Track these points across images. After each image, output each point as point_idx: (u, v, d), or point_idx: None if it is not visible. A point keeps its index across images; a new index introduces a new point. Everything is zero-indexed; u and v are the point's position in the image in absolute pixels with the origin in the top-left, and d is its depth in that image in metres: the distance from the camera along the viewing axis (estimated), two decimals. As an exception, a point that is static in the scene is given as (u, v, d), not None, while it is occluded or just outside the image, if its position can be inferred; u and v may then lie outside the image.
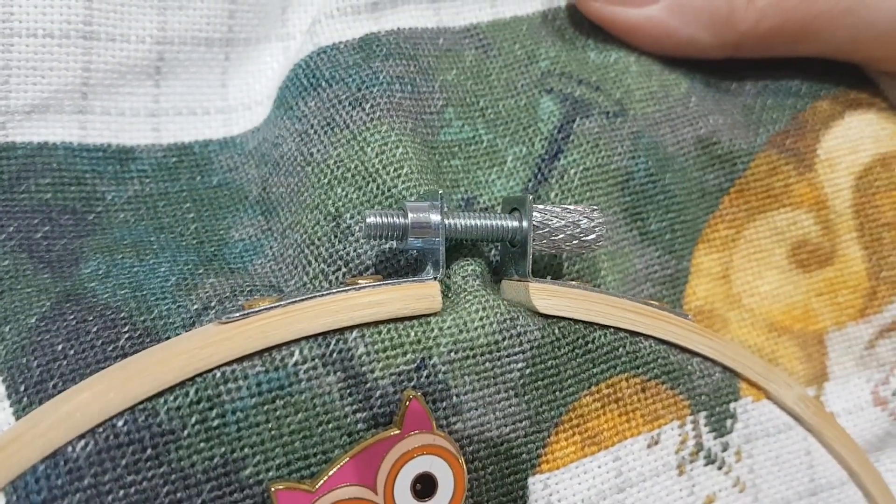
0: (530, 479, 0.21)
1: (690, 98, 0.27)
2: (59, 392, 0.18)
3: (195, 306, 0.21)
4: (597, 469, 0.21)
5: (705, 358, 0.23)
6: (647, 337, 0.22)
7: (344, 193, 0.22)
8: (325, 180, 0.23)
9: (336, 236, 0.22)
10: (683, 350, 0.22)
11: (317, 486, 0.18)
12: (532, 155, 0.25)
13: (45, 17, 0.23)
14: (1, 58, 0.22)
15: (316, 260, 0.22)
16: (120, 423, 0.17)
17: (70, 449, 0.17)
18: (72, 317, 0.20)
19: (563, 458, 0.21)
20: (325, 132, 0.23)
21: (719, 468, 0.23)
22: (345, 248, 0.22)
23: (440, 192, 0.20)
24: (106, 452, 0.17)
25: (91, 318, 0.20)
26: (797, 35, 0.27)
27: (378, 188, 0.22)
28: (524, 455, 0.21)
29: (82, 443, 0.17)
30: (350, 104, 0.23)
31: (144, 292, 0.21)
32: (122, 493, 0.17)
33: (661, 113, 0.27)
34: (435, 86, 0.25)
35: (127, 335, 0.20)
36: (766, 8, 0.26)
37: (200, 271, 0.22)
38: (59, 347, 0.19)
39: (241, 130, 0.26)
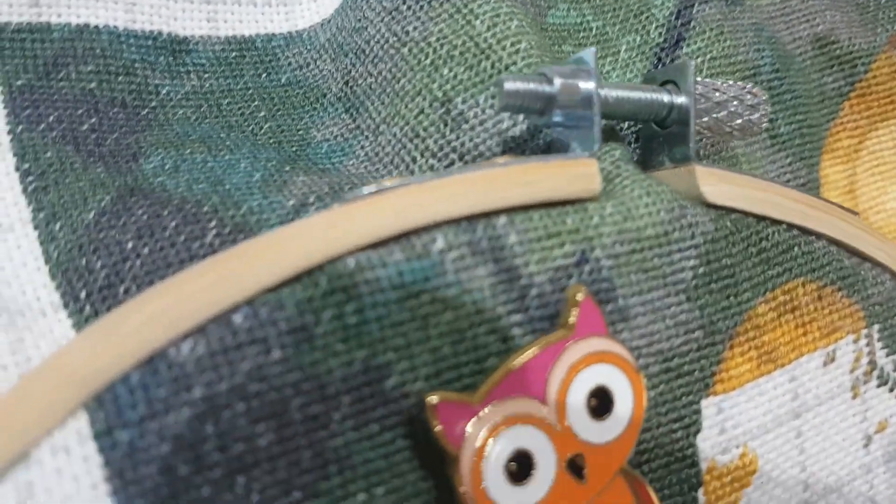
0: (703, 402, 0.17)
1: None
2: (131, 298, 0.14)
3: (290, 202, 0.17)
4: (773, 391, 0.18)
5: (876, 263, 0.19)
6: (819, 236, 0.19)
7: (452, 74, 0.19)
8: (428, 61, 0.19)
9: (446, 124, 0.18)
10: (855, 253, 0.19)
11: (477, 398, 0.14)
12: (648, 44, 0.21)
13: None
14: None
15: (422, 155, 0.18)
16: (238, 319, 0.13)
17: (173, 352, 0.13)
18: (140, 211, 0.16)
19: (739, 378, 0.18)
20: (422, 6, 0.19)
21: (891, 390, 0.19)
22: (458, 138, 0.18)
23: (594, 51, 0.17)
24: (221, 355, 0.13)
25: (166, 212, 0.16)
26: None
27: (493, 66, 0.19)
28: (697, 372, 0.17)
29: (189, 343, 0.13)
30: None
31: (227, 187, 0.17)
32: (242, 407, 0.13)
33: (775, 7, 0.24)
34: None
35: (214, 231, 0.16)
36: None
37: (287, 169, 0.18)
38: (129, 245, 0.15)
39: (306, 24, 0.22)
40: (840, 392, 0.19)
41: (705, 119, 0.18)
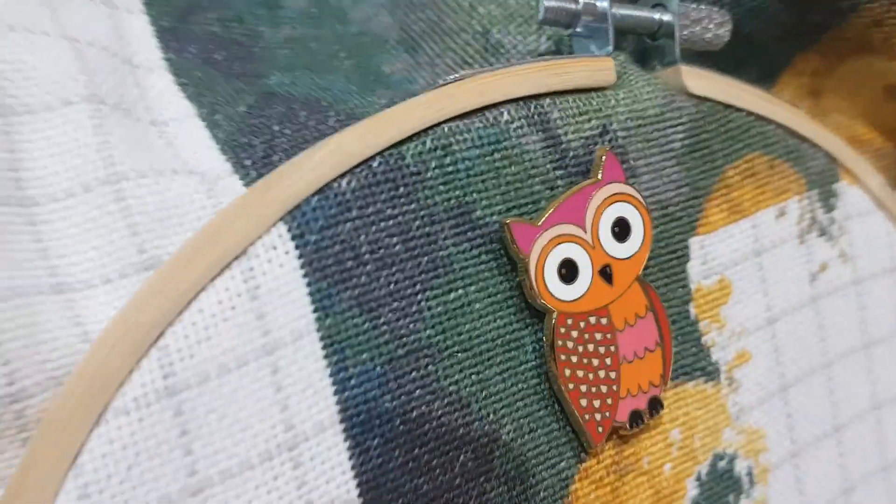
0: (690, 240, 0.23)
1: None
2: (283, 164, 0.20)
3: (382, 101, 0.22)
4: (739, 234, 0.24)
5: (813, 144, 0.26)
6: (769, 121, 0.25)
7: (487, 12, 0.24)
8: (467, 4, 0.25)
9: (487, 50, 0.24)
10: (796, 135, 0.25)
11: (539, 223, 0.20)
12: None
13: None
14: None
15: None
16: (375, 164, 0.19)
17: (337, 184, 0.19)
18: (278, 106, 0.22)
19: (715, 224, 0.24)
20: None
21: (828, 240, 0.26)
22: (498, 61, 0.24)
23: None
24: (367, 189, 0.19)
25: (296, 106, 0.22)
26: None
27: (518, 2, 0.24)
28: (685, 218, 0.23)
29: (346, 179, 0.19)
30: None
31: (335, 92, 0.23)
32: (382, 224, 0.19)
33: None
34: None
35: (334, 118, 0.21)
36: None
37: (372, 87, 0.24)
38: (276, 128, 0.21)
39: None
40: (789, 238, 0.25)
41: (685, 32, 0.24)
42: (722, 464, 0.23)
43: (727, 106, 0.24)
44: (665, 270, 0.23)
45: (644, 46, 0.25)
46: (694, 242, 0.23)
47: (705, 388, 0.23)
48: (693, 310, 0.23)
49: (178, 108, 0.21)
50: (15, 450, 0.17)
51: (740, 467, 0.24)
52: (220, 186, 0.19)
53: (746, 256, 0.24)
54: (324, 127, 0.21)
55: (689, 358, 0.23)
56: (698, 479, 0.23)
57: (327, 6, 0.27)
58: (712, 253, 0.24)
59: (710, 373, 0.23)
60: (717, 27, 0.24)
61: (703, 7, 0.24)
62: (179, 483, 0.16)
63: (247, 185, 0.20)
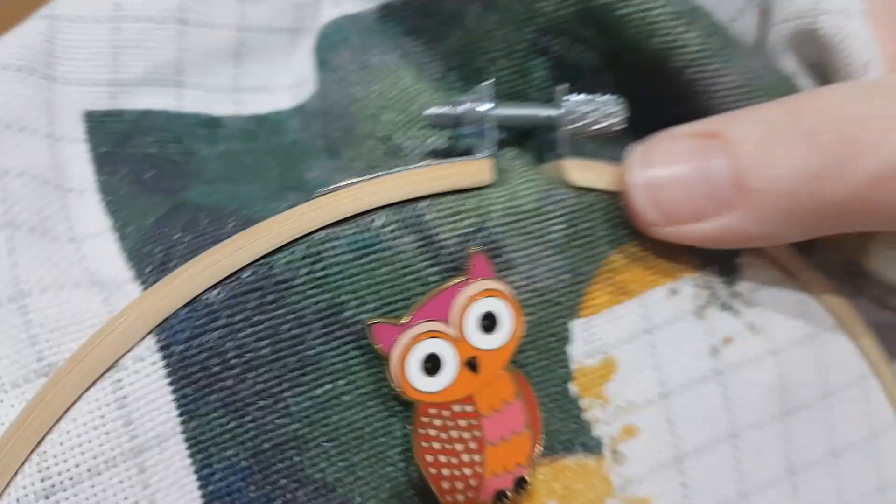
0: (572, 323, 0.25)
1: None
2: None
3: (285, 205, 0.25)
4: (627, 314, 0.26)
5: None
6: None
7: (389, 119, 0.26)
8: (371, 112, 0.27)
9: (389, 154, 0.26)
10: None
11: (403, 322, 0.22)
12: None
13: (146, 4, 0.27)
14: (112, 39, 0.26)
15: None
16: (245, 275, 0.21)
17: (206, 296, 0.21)
18: (185, 215, 0.24)
19: (599, 306, 0.25)
20: (361, 74, 0.27)
21: (732, 313, 0.27)
22: (397, 164, 0.26)
23: (492, 82, 0.24)
24: (236, 298, 0.21)
25: (200, 214, 0.24)
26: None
27: (418, 109, 0.26)
28: (566, 302, 0.25)
29: (216, 290, 0.21)
30: (380, 51, 0.27)
31: (243, 199, 0.25)
32: (250, 330, 0.21)
33: None
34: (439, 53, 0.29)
35: (232, 224, 0.24)
36: (862, 192, 0.23)
37: (285, 193, 0.26)
38: (176, 236, 0.24)
39: (306, 98, 0.30)
40: (685, 315, 0.27)
41: (577, 125, 0.26)
42: (604, 532, 0.25)
43: (613, 194, 0.25)
44: (544, 352, 0.24)
45: (541, 139, 0.26)
46: (576, 325, 0.25)
47: (586, 462, 0.25)
48: (574, 388, 0.25)
49: (97, 223, 0.24)
50: None
51: (625, 536, 0.25)
52: (119, 294, 0.22)
53: (634, 335, 0.26)
54: (221, 232, 0.24)
55: (568, 434, 0.25)
56: (578, 548, 0.25)
57: (265, 123, 0.29)
58: (596, 333, 0.25)
59: (591, 447, 0.25)
60: (607, 118, 0.26)
61: (597, 99, 0.26)
62: None
63: (145, 289, 0.22)
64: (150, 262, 0.23)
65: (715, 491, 0.27)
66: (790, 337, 0.28)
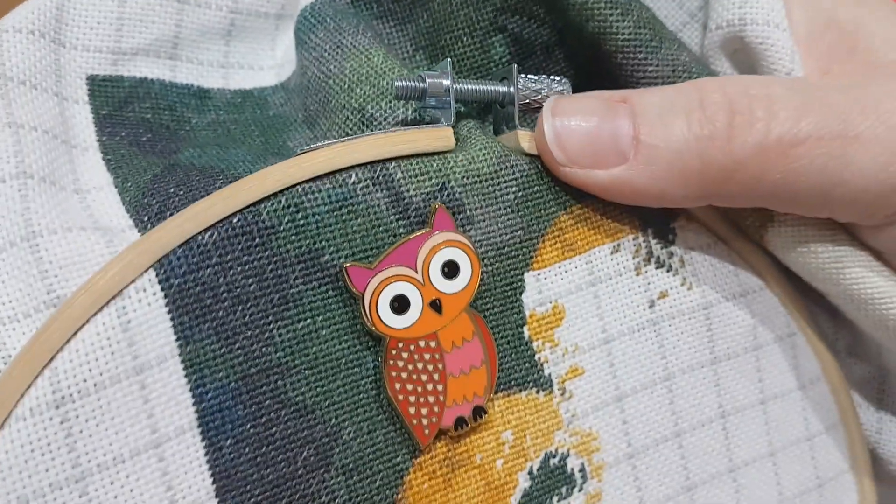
0: (525, 274, 0.28)
1: None
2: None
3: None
4: (574, 268, 0.29)
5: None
6: None
7: (362, 92, 0.29)
8: (346, 86, 0.30)
9: (364, 123, 0.29)
10: None
11: (374, 266, 0.25)
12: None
13: None
14: (117, 11, 0.29)
15: None
16: (235, 220, 0.24)
17: (200, 238, 0.24)
18: (178, 174, 0.27)
19: (549, 260, 0.29)
20: (336, 53, 0.30)
21: (668, 270, 0.30)
22: (371, 131, 0.29)
23: (450, 61, 0.28)
24: (227, 240, 0.24)
25: (193, 173, 0.27)
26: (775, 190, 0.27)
27: (387, 84, 0.29)
28: (520, 256, 0.28)
29: (209, 233, 0.24)
30: (352, 32, 0.30)
31: (231, 161, 0.28)
32: (239, 269, 0.24)
33: None
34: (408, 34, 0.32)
35: (221, 182, 0.27)
36: (746, 161, 0.26)
37: (267, 157, 0.29)
38: (171, 191, 0.27)
39: (287, 77, 0.33)
40: (625, 271, 0.30)
41: (526, 101, 0.29)
42: (553, 461, 0.28)
43: (563, 161, 0.29)
44: (500, 300, 0.28)
45: (498, 111, 0.30)
46: (529, 276, 0.28)
47: (537, 397, 0.28)
48: (527, 332, 0.28)
49: (99, 178, 0.27)
50: None
51: (573, 464, 0.28)
52: (121, 237, 0.25)
53: (581, 287, 0.29)
54: (211, 188, 0.27)
55: (521, 372, 0.28)
56: (530, 472, 0.28)
57: (250, 97, 0.32)
58: (547, 285, 0.28)
59: (541, 384, 0.28)
60: (554, 95, 0.29)
61: (545, 78, 0.29)
62: (66, 473, 0.22)
63: (143, 234, 0.25)
64: (147, 212, 0.26)
65: (652, 429, 0.30)
66: (720, 293, 0.31)
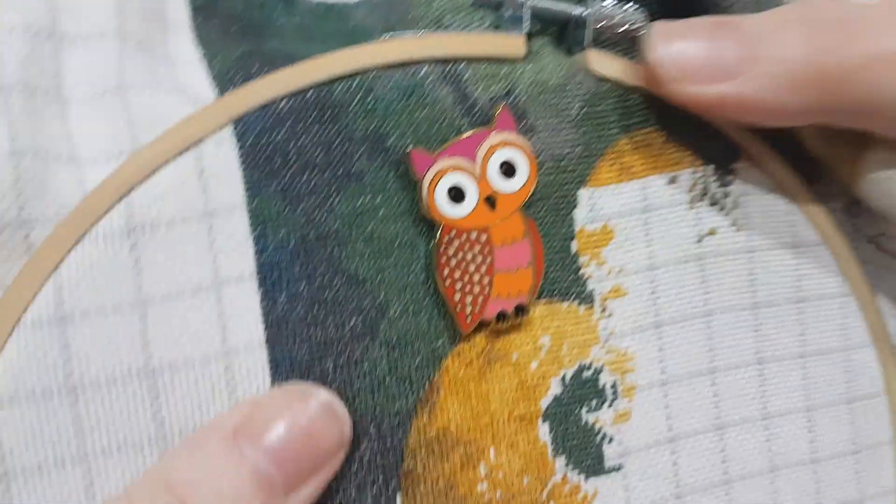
0: (580, 191, 0.29)
1: None
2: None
3: None
4: (628, 193, 0.30)
5: (714, 127, 0.31)
6: (669, 103, 0.30)
7: (440, 4, 0.31)
8: (424, 0, 0.31)
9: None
10: (696, 117, 0.31)
11: (436, 154, 0.27)
12: None
13: None
14: None
15: None
16: (309, 94, 0.26)
17: (276, 104, 0.25)
18: (264, 56, 0.29)
19: (604, 180, 0.29)
20: None
21: (720, 210, 0.31)
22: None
23: None
24: (300, 110, 0.26)
25: (277, 57, 0.29)
26: None
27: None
28: (577, 172, 0.29)
29: (284, 101, 0.25)
30: None
31: (311, 53, 0.29)
32: (308, 138, 0.26)
33: None
34: None
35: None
36: (859, 70, 0.26)
37: None
38: (255, 68, 0.28)
39: None
40: (678, 203, 0.30)
41: (599, 25, 0.30)
42: (587, 373, 0.29)
43: (629, 87, 0.29)
44: (553, 211, 0.28)
45: (570, 32, 0.31)
46: (583, 193, 0.29)
47: (578, 309, 0.29)
48: (574, 246, 0.29)
49: (190, 53, 0.29)
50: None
51: (605, 380, 0.29)
52: (204, 105, 0.27)
53: (633, 212, 0.30)
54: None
55: (565, 283, 0.29)
56: (563, 379, 0.29)
57: (333, 9, 0.34)
58: (599, 204, 0.29)
59: (583, 298, 0.29)
60: (630, 23, 0.30)
61: (623, 6, 0.30)
62: (129, 297, 0.24)
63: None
64: (231, 85, 0.27)
65: (688, 361, 0.30)
66: (769, 240, 0.32)
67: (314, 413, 0.24)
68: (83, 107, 0.25)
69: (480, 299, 0.27)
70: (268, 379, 0.25)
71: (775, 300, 0.32)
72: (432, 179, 0.26)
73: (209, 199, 0.24)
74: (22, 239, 0.24)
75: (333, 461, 0.24)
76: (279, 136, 0.25)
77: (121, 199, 0.24)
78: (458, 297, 0.27)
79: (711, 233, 0.31)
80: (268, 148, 0.25)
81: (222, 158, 0.24)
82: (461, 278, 0.27)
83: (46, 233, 0.24)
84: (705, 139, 0.30)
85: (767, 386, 0.32)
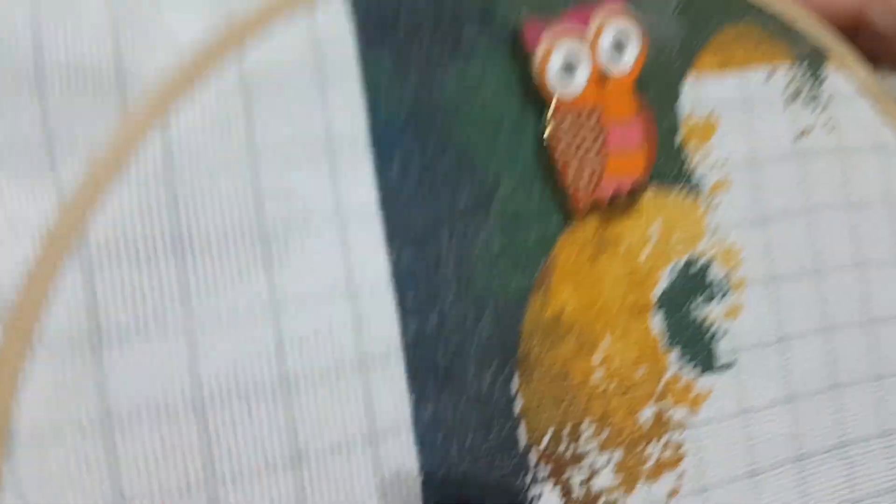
0: (684, 78, 0.28)
1: None
2: None
3: None
4: (730, 83, 0.29)
5: (805, 29, 0.30)
6: (765, 5, 0.29)
7: None
8: None
9: None
10: (790, 19, 0.30)
11: (549, 22, 0.26)
12: None
13: None
14: None
15: None
16: None
17: None
18: None
19: (707, 69, 0.29)
20: None
21: (813, 111, 0.30)
22: None
23: None
24: None
25: None
26: None
27: None
28: (679, 62, 0.28)
29: None
30: None
31: None
32: (419, 5, 0.25)
33: None
34: None
35: None
36: None
37: None
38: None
39: None
40: (776, 99, 0.30)
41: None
42: (697, 265, 0.28)
43: (729, -22, 0.29)
44: (656, 101, 0.27)
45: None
46: (688, 81, 0.28)
47: (686, 199, 0.28)
48: (681, 135, 0.28)
49: None
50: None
51: (715, 272, 0.28)
52: None
53: (734, 102, 0.29)
54: None
55: (673, 172, 0.28)
56: (673, 270, 0.27)
57: None
58: (702, 93, 0.28)
59: (691, 187, 0.28)
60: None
61: None
62: (241, 150, 0.22)
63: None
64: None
65: (794, 259, 0.29)
66: (859, 143, 0.31)
67: None
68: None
69: (595, 178, 0.26)
70: (383, 248, 0.23)
71: (866, 201, 0.31)
72: (544, 53, 0.25)
73: (322, 63, 0.23)
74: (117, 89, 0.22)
75: None
76: (391, 2, 0.24)
77: (232, 54, 0.22)
78: (572, 174, 0.25)
79: (805, 133, 0.30)
80: (380, 10, 0.24)
81: (336, 21, 0.23)
82: (576, 156, 0.25)
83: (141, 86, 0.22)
84: (798, 38, 0.30)
85: (870, 288, 0.31)
